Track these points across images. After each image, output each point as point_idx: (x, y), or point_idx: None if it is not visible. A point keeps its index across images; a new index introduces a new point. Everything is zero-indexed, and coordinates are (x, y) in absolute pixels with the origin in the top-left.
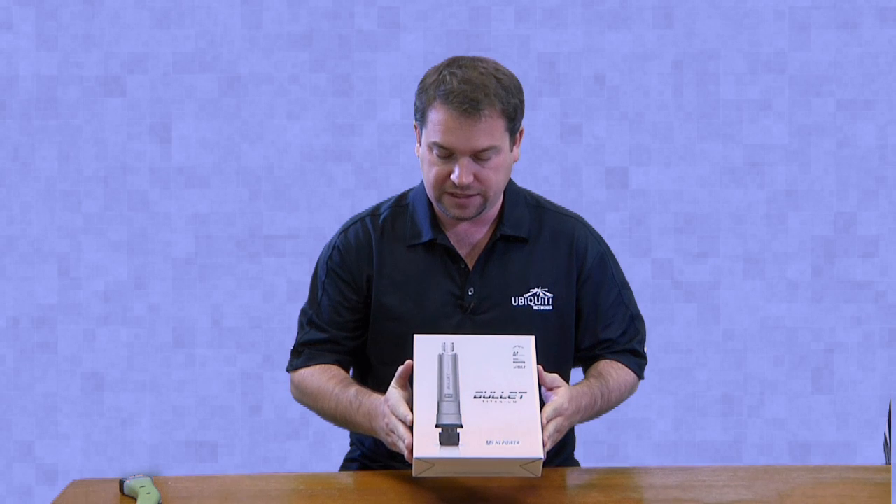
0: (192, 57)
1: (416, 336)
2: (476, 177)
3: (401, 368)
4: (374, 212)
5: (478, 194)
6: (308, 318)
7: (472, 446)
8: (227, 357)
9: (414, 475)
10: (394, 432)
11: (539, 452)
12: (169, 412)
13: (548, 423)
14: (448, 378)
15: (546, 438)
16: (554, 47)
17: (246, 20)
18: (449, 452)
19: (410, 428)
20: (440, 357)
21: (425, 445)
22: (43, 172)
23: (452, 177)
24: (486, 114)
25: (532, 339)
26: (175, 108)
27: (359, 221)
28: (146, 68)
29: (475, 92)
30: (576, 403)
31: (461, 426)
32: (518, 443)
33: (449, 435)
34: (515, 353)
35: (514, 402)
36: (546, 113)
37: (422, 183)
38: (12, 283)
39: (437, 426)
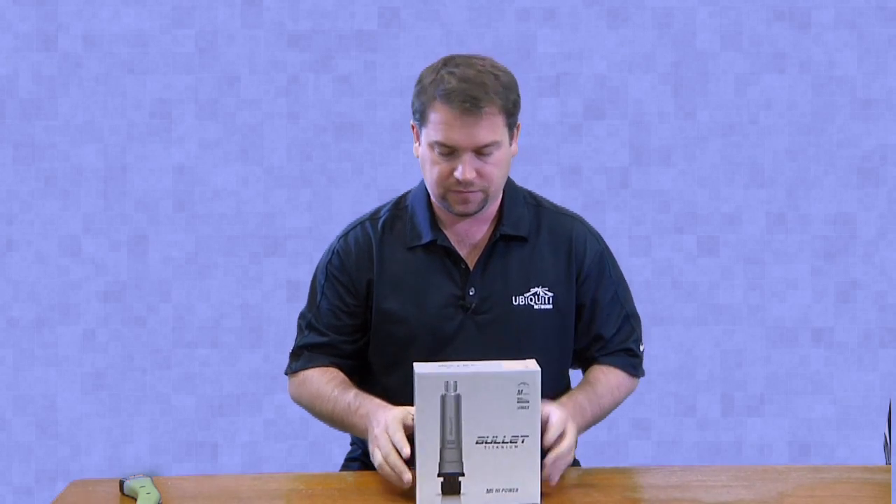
0: (192, 57)
1: (416, 368)
2: (478, 172)
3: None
4: (373, 215)
5: (480, 190)
6: (307, 322)
7: (473, 496)
8: (227, 357)
9: None
10: (387, 459)
11: (536, 499)
12: (169, 412)
13: (553, 462)
14: (451, 422)
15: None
16: (554, 47)
17: (246, 20)
18: (450, 502)
19: (406, 461)
20: (443, 398)
21: (428, 496)
22: (43, 172)
23: (456, 174)
24: (487, 111)
25: (538, 372)
26: (175, 108)
27: (359, 226)
28: (146, 68)
29: (475, 90)
30: (572, 434)
31: (463, 474)
32: (517, 490)
33: (451, 484)
34: (520, 392)
35: (516, 446)
36: (546, 113)
37: (421, 184)
38: (12, 283)
39: (439, 475)
